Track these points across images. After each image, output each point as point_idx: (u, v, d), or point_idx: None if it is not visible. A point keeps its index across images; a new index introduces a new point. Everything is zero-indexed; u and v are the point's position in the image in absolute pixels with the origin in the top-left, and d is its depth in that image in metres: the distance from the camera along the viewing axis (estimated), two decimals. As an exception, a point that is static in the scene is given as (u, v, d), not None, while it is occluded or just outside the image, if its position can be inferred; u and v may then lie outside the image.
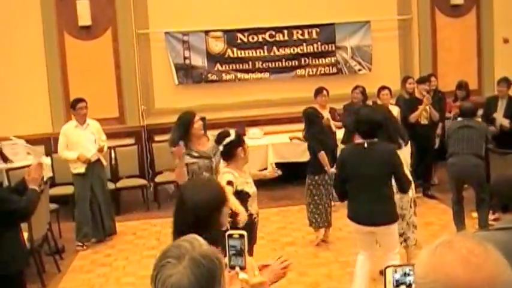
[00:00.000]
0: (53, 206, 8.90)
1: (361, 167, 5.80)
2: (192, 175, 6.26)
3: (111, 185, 10.46)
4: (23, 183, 5.59)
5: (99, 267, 8.14)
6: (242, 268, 2.28)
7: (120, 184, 10.61)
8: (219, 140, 5.88)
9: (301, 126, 8.81)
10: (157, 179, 11.06)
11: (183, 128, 6.48)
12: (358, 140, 6.12)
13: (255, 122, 11.74)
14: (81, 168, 8.90)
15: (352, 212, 6.05)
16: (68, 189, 10.28)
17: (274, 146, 10.97)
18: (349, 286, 6.51)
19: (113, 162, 10.89)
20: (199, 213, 3.06)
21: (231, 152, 5.69)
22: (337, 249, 8.08)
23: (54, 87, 11.80)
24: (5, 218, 5.23)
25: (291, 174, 10.41)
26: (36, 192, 5.49)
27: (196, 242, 2.09)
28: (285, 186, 10.72)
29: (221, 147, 5.75)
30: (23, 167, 9.01)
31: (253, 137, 11.24)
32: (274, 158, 10.88)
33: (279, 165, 10.64)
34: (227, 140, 5.71)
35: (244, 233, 2.34)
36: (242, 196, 5.61)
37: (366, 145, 5.86)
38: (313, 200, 8.26)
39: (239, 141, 5.76)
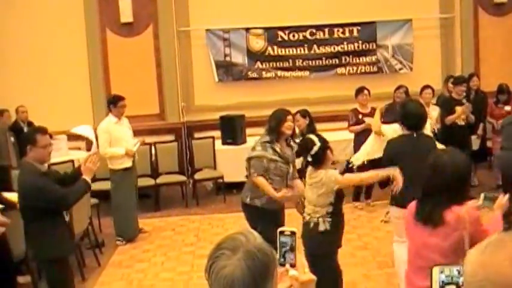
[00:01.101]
0: (94, 200, 9.00)
1: (412, 155, 5.90)
2: (265, 170, 6.10)
3: (150, 181, 10.57)
4: (78, 171, 5.68)
5: (138, 262, 8.21)
6: (292, 265, 2.30)
7: (159, 180, 10.69)
8: (302, 151, 5.81)
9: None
10: (197, 175, 11.12)
11: (275, 124, 6.23)
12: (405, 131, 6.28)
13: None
14: (128, 163, 9.00)
15: (403, 198, 6.06)
16: (108, 185, 10.41)
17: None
18: (387, 286, 6.50)
19: (153, 158, 10.98)
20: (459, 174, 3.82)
21: (322, 157, 5.59)
22: (375, 248, 8.03)
23: (95, 83, 11.96)
24: (45, 205, 5.34)
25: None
26: (85, 183, 5.56)
27: (251, 236, 2.10)
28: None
29: (310, 158, 5.60)
30: (65, 162, 9.17)
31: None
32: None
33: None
34: (315, 148, 5.57)
35: (296, 230, 2.36)
36: (340, 194, 5.63)
37: (415, 135, 6.10)
38: None
39: (325, 144, 5.68)
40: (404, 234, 6.13)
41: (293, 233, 2.34)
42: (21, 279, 7.23)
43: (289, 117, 6.32)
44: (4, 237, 6.39)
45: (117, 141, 8.92)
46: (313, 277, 2.32)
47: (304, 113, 8.68)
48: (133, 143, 9.12)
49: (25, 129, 10.66)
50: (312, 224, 5.50)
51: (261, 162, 6.04)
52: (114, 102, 9.00)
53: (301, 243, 5.25)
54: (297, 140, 7.66)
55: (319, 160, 5.58)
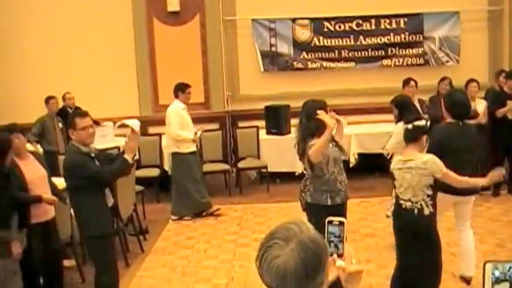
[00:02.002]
0: (139, 187, 9.09)
1: (458, 142, 6.10)
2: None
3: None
4: (121, 154, 5.77)
5: (181, 249, 8.27)
6: (340, 255, 2.28)
7: (204, 168, 10.73)
8: (409, 120, 5.84)
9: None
10: (240, 164, 11.15)
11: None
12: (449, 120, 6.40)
13: (338, 112, 11.44)
14: (193, 147, 9.49)
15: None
16: (153, 172, 10.53)
17: (358, 136, 10.85)
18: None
19: (198, 146, 11.03)
20: None
21: (417, 136, 5.63)
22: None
23: (142, 71, 12.06)
24: (84, 182, 5.45)
25: (373, 165, 10.37)
26: (125, 162, 5.59)
27: (304, 226, 2.11)
28: (367, 177, 10.65)
29: (410, 126, 5.65)
30: (111, 149, 9.26)
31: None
32: (357, 148, 10.80)
33: (361, 156, 10.63)
34: (417, 122, 5.68)
35: (344, 219, 2.34)
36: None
37: (460, 123, 6.27)
38: None
39: (426, 129, 5.77)
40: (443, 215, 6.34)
41: (341, 223, 2.33)
42: (66, 262, 7.33)
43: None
44: (52, 221, 6.51)
45: (185, 126, 9.35)
46: (361, 268, 2.31)
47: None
48: (194, 130, 9.51)
49: (72, 115, 10.82)
50: (416, 211, 5.51)
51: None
52: (182, 89, 9.46)
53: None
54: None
55: (413, 136, 5.62)
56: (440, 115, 6.89)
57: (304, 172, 6.24)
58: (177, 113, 9.30)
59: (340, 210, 5.87)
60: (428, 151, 6.06)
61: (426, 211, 5.49)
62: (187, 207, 9.53)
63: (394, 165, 5.69)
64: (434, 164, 5.46)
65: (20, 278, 5.99)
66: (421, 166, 5.45)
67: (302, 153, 5.93)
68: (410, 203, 5.54)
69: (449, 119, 6.37)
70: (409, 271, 5.69)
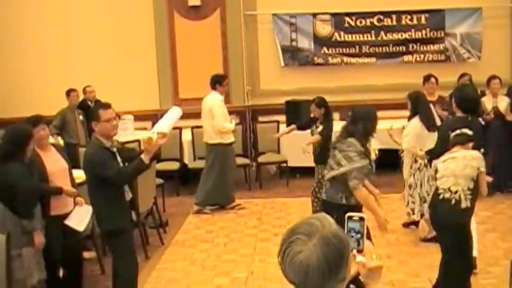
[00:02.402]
0: (159, 180, 9.11)
1: None
2: None
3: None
4: (140, 152, 5.76)
5: (201, 242, 8.28)
6: (360, 251, 2.28)
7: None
8: (456, 127, 5.83)
9: (406, 113, 8.64)
10: (260, 159, 11.17)
11: (370, 127, 5.89)
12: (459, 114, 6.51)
13: (359, 107, 11.61)
14: (232, 138, 9.63)
15: None
16: (173, 165, 10.55)
17: (378, 132, 10.55)
18: None
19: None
20: None
21: (464, 141, 5.68)
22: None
23: (162, 65, 12.09)
24: (102, 180, 5.45)
25: (393, 161, 10.31)
26: (141, 164, 5.50)
27: (327, 221, 2.10)
28: (387, 173, 10.59)
29: (458, 131, 5.69)
30: (131, 142, 9.30)
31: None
32: (377, 144, 10.73)
33: (381, 151, 10.57)
34: (466, 130, 5.71)
35: (364, 215, 2.33)
36: None
37: (470, 118, 6.36)
38: None
39: (473, 138, 5.79)
40: None
41: (361, 219, 2.32)
42: (86, 254, 7.37)
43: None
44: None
45: (226, 117, 9.51)
46: (381, 263, 2.30)
47: (320, 103, 8.54)
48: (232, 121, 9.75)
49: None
50: (453, 201, 5.51)
51: (362, 173, 5.71)
52: (220, 81, 9.59)
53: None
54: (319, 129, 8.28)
55: (462, 142, 5.69)
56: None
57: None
58: (220, 105, 9.43)
59: (354, 211, 5.81)
60: (439, 144, 6.14)
61: (463, 204, 5.49)
62: (221, 197, 9.66)
63: (439, 160, 5.70)
64: (481, 159, 5.53)
65: (44, 267, 6.04)
66: (468, 157, 5.50)
67: (333, 149, 5.90)
68: (449, 193, 5.53)
69: (459, 113, 6.46)
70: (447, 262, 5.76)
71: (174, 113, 5.95)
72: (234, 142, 9.84)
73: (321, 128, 8.41)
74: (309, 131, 8.75)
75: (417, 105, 7.78)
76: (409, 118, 7.95)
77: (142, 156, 5.51)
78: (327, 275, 2.03)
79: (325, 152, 8.17)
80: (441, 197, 5.57)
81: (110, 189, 5.57)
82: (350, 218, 2.32)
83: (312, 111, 8.58)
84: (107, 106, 5.66)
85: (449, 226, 5.57)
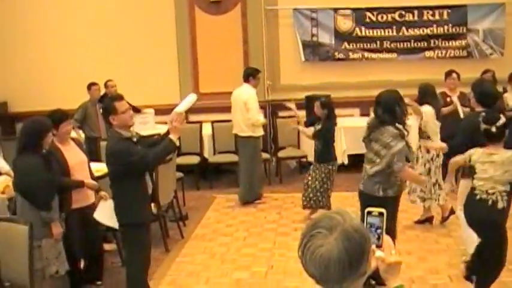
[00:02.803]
0: (179, 174, 9.14)
1: None
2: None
3: (235, 158, 10.67)
4: (164, 137, 5.77)
5: (221, 236, 8.32)
6: (379, 246, 2.28)
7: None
8: (488, 118, 5.73)
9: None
10: (280, 154, 11.19)
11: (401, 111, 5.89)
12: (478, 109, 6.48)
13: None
14: (261, 131, 9.74)
15: None
16: (193, 159, 10.60)
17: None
18: None
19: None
20: None
21: (501, 136, 5.63)
22: (460, 236, 7.83)
23: (183, 59, 12.12)
24: (125, 169, 5.43)
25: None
26: (170, 141, 5.52)
27: (348, 216, 2.10)
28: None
29: (494, 129, 5.58)
30: (152, 136, 9.33)
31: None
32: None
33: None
34: (500, 121, 5.60)
35: (384, 210, 2.33)
36: None
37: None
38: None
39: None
40: None
41: (381, 214, 2.32)
42: (107, 246, 7.44)
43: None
44: (92, 206, 6.60)
45: (258, 110, 9.61)
46: (400, 259, 2.30)
47: (324, 104, 8.59)
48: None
49: (114, 102, 10.92)
50: (490, 202, 5.49)
51: (402, 154, 5.75)
52: (253, 74, 9.63)
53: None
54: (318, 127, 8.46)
55: (501, 135, 5.61)
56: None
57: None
58: (255, 98, 9.48)
59: (390, 202, 5.79)
60: (461, 139, 6.13)
61: (500, 204, 5.48)
62: (249, 194, 9.76)
63: (477, 158, 5.64)
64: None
65: (65, 258, 6.10)
66: (506, 161, 5.46)
67: (369, 141, 5.92)
68: (486, 195, 5.53)
69: (478, 108, 6.42)
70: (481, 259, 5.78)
71: (190, 98, 6.07)
72: (263, 135, 9.89)
73: (318, 127, 8.55)
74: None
75: (425, 95, 8.03)
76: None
77: (171, 136, 5.54)
78: (348, 269, 2.03)
79: (326, 151, 8.53)
80: (478, 197, 5.57)
81: (133, 181, 5.57)
82: (369, 213, 2.33)
83: (315, 109, 8.63)
84: (121, 98, 5.65)
85: (487, 225, 5.60)
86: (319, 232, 2.05)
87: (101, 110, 10.48)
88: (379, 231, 2.28)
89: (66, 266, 6.12)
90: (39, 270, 5.82)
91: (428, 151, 7.88)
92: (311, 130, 8.60)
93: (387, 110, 5.79)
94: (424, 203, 8.18)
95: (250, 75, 9.60)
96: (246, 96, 9.45)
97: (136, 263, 5.81)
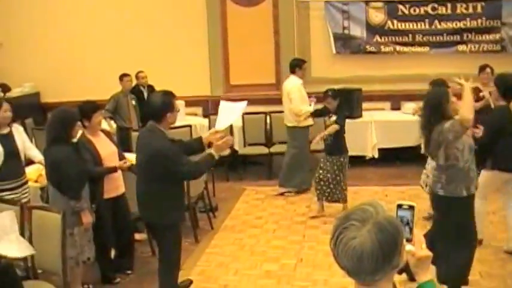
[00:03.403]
0: (209, 165, 9.17)
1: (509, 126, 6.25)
2: None
3: (264, 150, 10.72)
4: (198, 143, 5.77)
5: (250, 228, 8.36)
6: (409, 240, 2.27)
7: (273, 149, 10.81)
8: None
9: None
10: (311, 146, 11.15)
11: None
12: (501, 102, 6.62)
13: (411, 97, 11.37)
14: (309, 121, 9.77)
15: (505, 162, 6.55)
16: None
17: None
18: (501, 272, 6.53)
19: (268, 127, 11.09)
20: None
21: None
22: (490, 233, 7.67)
23: (214, 51, 12.14)
24: (169, 175, 5.37)
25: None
26: (212, 159, 5.50)
27: (380, 208, 2.09)
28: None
29: None
30: (182, 127, 9.39)
31: (408, 112, 11.01)
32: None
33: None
34: None
35: (414, 204, 2.33)
36: None
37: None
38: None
39: None
40: (488, 195, 6.88)
41: (411, 207, 2.31)
42: (137, 236, 7.51)
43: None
44: (123, 196, 6.67)
45: (304, 100, 9.62)
46: (430, 253, 2.30)
47: (336, 95, 8.64)
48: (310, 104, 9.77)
49: (145, 93, 11.00)
50: None
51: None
52: (299, 65, 9.80)
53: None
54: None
55: None
56: None
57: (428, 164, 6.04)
58: (299, 88, 9.55)
59: (473, 200, 5.72)
60: (487, 132, 6.10)
61: None
62: (300, 181, 9.78)
63: None
64: None
65: (94, 246, 6.17)
66: None
67: (428, 141, 5.67)
68: None
69: (501, 102, 6.50)
70: None
71: (239, 109, 6.01)
72: (312, 125, 9.86)
73: (334, 117, 8.49)
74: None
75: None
76: None
77: (213, 152, 5.49)
78: (381, 262, 2.03)
79: (338, 143, 8.50)
80: None
81: (176, 184, 5.58)
82: (400, 206, 2.32)
83: (327, 103, 8.62)
84: (174, 94, 5.67)
85: None
86: (352, 224, 2.05)
87: (133, 101, 10.62)
88: (410, 224, 2.28)
89: (93, 253, 6.20)
90: (73, 258, 5.90)
91: None
92: (334, 127, 8.44)
93: (439, 108, 5.56)
94: None
95: (296, 66, 9.75)
96: (290, 86, 9.58)
97: (173, 262, 5.82)
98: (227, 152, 10.57)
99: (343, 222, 2.08)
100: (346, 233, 2.04)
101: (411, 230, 2.28)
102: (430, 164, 7.79)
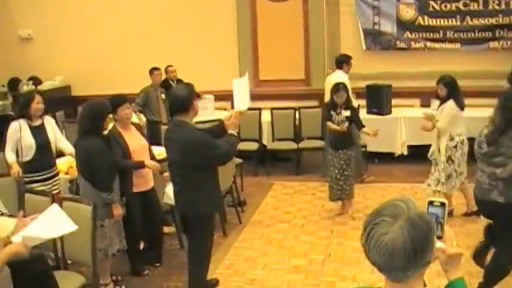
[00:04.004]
0: (238, 160, 9.19)
1: None
2: None
3: (293, 145, 10.71)
4: (220, 127, 5.81)
5: (278, 223, 8.36)
6: (440, 237, 2.26)
7: (302, 145, 10.79)
8: None
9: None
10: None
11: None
12: None
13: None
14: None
15: None
16: (252, 146, 10.64)
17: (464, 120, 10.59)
18: None
19: (297, 123, 11.08)
20: None
21: None
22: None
23: (243, 46, 12.17)
24: (206, 161, 5.45)
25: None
26: (235, 137, 5.64)
27: (412, 204, 2.08)
28: (471, 163, 10.33)
29: None
30: (212, 121, 9.40)
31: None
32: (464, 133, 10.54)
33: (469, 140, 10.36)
34: None
35: (446, 201, 2.32)
36: None
37: None
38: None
39: None
40: None
41: (443, 204, 2.30)
42: (166, 229, 7.56)
43: None
44: (152, 190, 6.71)
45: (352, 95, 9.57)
46: (461, 251, 2.29)
47: (346, 88, 8.46)
48: None
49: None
50: None
51: None
52: (346, 61, 10.09)
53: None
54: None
55: None
56: None
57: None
58: (347, 83, 9.37)
59: None
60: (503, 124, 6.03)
61: None
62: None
63: None
64: None
65: (124, 238, 6.23)
66: None
67: (494, 144, 5.61)
68: None
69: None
70: None
71: (245, 84, 6.08)
72: None
73: (346, 113, 8.27)
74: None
75: (453, 89, 7.89)
76: (442, 101, 8.04)
77: (231, 131, 5.64)
78: (412, 258, 2.01)
79: (347, 136, 8.32)
80: None
81: (211, 173, 5.62)
82: (431, 203, 2.31)
83: (338, 97, 8.30)
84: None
85: None
86: (384, 220, 2.04)
87: (163, 95, 10.68)
88: (440, 222, 2.27)
89: (123, 245, 6.26)
90: (103, 250, 5.97)
91: (452, 138, 7.88)
92: (345, 126, 8.20)
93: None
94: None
95: (344, 61, 9.95)
96: (337, 82, 9.44)
97: (204, 255, 5.85)
98: (255, 146, 10.65)
99: (374, 218, 2.07)
100: (378, 228, 2.04)
101: (442, 227, 2.27)
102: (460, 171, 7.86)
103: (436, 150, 8.06)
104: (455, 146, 7.89)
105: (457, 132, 7.85)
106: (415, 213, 2.05)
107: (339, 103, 8.29)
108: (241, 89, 6.05)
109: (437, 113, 8.00)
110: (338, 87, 8.33)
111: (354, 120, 8.32)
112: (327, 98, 9.59)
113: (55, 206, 4.35)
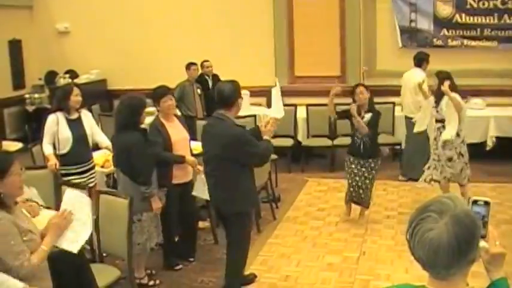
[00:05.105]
0: (273, 156, 9.16)
1: None
2: None
3: (328, 142, 10.69)
4: (256, 132, 5.84)
5: (313, 220, 8.36)
6: (483, 236, 2.25)
7: (336, 142, 10.75)
8: None
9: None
10: (373, 140, 11.11)
11: None
12: None
13: (478, 92, 11.20)
14: None
15: None
16: (287, 142, 10.63)
17: (497, 119, 10.49)
18: None
19: (332, 119, 11.02)
20: None
21: None
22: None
23: (280, 42, 12.17)
24: (245, 158, 5.52)
25: (511, 150, 10.02)
26: (270, 143, 5.75)
27: (458, 201, 2.09)
28: (503, 162, 10.28)
29: None
30: (247, 117, 9.44)
31: (475, 107, 10.85)
32: (495, 131, 10.45)
33: (499, 139, 10.27)
34: None
35: (489, 200, 2.31)
36: None
37: None
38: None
39: None
40: None
41: (486, 203, 2.29)
42: (201, 224, 7.61)
43: None
44: (190, 183, 6.74)
45: None
46: (504, 250, 2.27)
47: (367, 86, 8.17)
48: None
49: (210, 82, 11.10)
50: None
51: None
52: (426, 59, 9.93)
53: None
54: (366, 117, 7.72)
55: None
56: None
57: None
58: (426, 81, 9.36)
59: None
60: None
61: None
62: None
63: None
64: None
65: (161, 231, 6.28)
66: None
67: None
68: None
69: None
70: None
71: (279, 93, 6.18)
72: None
73: (367, 116, 7.79)
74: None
75: (454, 84, 8.14)
76: (438, 96, 8.17)
77: (266, 137, 5.77)
78: (457, 255, 2.02)
79: (374, 145, 7.91)
80: None
81: (249, 170, 5.69)
82: (475, 202, 2.30)
83: (360, 95, 7.84)
84: None
85: None
86: (429, 216, 2.05)
87: (198, 90, 10.73)
88: (484, 221, 2.26)
89: (161, 239, 6.31)
90: (141, 244, 6.02)
91: (458, 134, 7.98)
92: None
93: None
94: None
95: (424, 60, 9.83)
96: (417, 79, 9.42)
97: (242, 250, 5.94)
98: (290, 143, 10.64)
99: (420, 214, 2.08)
100: (423, 224, 2.05)
101: (485, 226, 2.26)
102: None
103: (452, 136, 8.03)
104: (462, 142, 8.09)
105: (460, 128, 8.02)
106: (461, 211, 2.06)
107: (361, 103, 7.82)
108: (277, 98, 6.17)
109: (442, 107, 8.13)
110: (356, 86, 8.08)
111: (371, 124, 7.74)
112: (405, 95, 9.74)
113: (67, 192, 4.51)
